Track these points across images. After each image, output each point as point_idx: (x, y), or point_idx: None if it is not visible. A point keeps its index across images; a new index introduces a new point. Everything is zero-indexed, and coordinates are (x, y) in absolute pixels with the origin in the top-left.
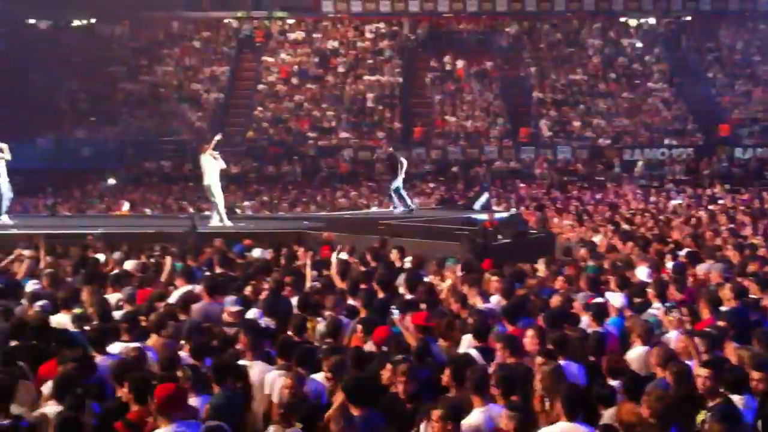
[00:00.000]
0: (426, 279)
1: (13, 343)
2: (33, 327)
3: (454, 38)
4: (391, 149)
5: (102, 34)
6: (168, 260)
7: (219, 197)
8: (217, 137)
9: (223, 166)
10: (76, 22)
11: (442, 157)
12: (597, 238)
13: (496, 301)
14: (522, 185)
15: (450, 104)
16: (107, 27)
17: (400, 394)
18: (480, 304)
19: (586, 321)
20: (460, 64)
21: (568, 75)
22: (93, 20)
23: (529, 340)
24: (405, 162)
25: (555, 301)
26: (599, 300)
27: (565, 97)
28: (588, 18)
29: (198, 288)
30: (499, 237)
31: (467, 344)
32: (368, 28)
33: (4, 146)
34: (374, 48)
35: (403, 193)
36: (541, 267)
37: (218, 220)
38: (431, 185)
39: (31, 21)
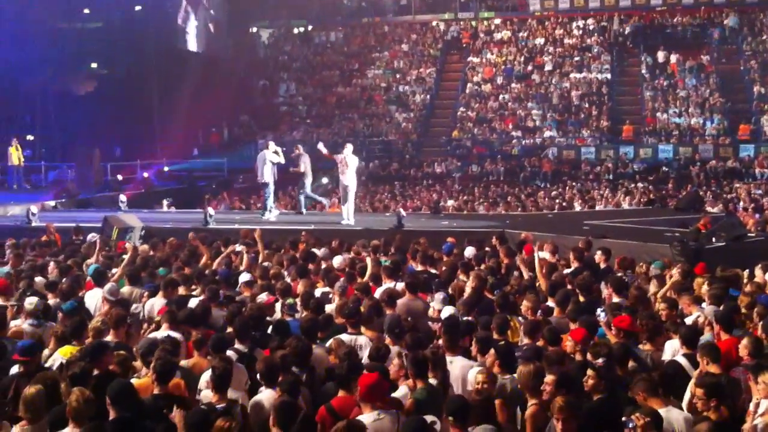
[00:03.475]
0: (633, 282)
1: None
2: (253, 316)
3: (667, 32)
4: (299, 150)
5: (318, 40)
6: (373, 256)
7: (350, 197)
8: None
9: (355, 165)
10: (294, 30)
11: (652, 156)
12: None
13: (707, 307)
14: (740, 185)
15: (662, 101)
16: (323, 33)
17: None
18: (693, 311)
19: None
20: (673, 58)
21: None
22: (310, 27)
23: (743, 349)
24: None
25: None
26: None
27: None
28: None
29: (400, 284)
30: (714, 240)
31: (674, 351)
32: (576, 24)
33: (279, 150)
34: (582, 44)
35: (302, 197)
36: (759, 272)
37: (347, 218)
38: (640, 185)
39: (254, 29)
